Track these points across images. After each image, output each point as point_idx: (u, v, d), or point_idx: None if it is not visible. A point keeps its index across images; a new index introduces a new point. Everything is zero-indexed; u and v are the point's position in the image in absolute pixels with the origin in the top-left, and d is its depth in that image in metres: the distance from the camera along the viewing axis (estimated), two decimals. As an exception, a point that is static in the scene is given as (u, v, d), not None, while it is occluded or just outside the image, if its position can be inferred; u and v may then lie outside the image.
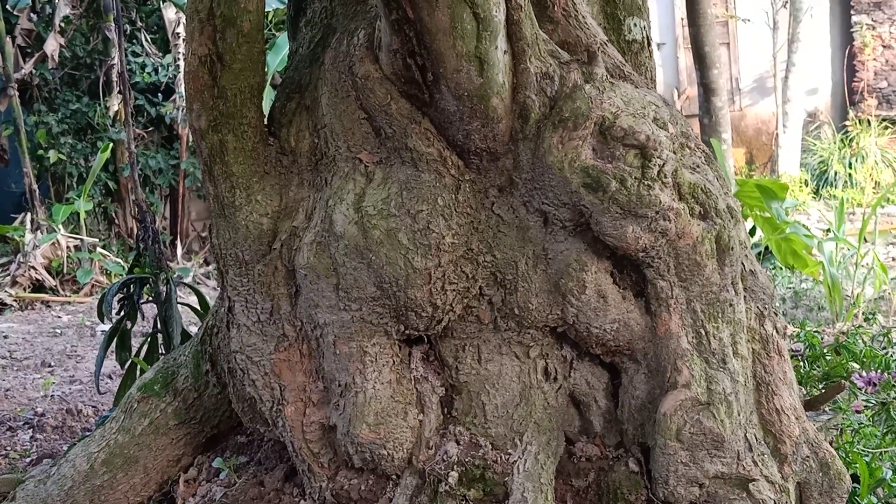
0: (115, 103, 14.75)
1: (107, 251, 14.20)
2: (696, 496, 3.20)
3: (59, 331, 11.21)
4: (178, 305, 5.09)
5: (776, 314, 3.46)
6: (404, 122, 3.19)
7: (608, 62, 3.37)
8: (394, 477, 3.39)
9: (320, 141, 3.38)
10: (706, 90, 11.10)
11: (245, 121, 3.33)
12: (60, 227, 13.92)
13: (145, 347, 5.04)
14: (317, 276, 3.27)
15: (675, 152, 3.22)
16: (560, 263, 3.24)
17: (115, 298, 4.91)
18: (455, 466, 3.26)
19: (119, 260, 13.45)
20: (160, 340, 5.04)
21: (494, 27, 2.94)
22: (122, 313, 4.95)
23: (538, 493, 3.13)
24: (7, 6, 12.53)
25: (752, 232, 7.96)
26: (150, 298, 5.06)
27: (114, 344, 5.00)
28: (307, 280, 3.31)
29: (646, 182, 3.09)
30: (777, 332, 3.41)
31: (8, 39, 13.49)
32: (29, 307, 13.06)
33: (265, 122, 3.45)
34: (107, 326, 5.83)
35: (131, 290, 4.95)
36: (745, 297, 3.37)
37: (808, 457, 3.33)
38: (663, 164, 3.13)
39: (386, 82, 3.19)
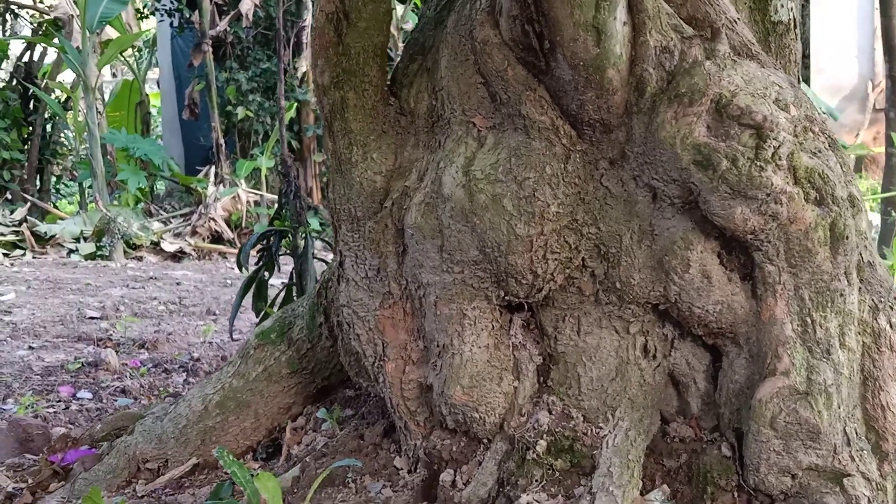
0: (303, 64, 15.05)
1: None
2: (788, 487, 3.13)
3: (229, 282, 11.52)
4: (315, 260, 5.20)
5: (892, 308, 3.36)
6: (519, 89, 3.19)
7: (735, 40, 3.30)
8: (485, 441, 3.41)
9: (437, 103, 3.41)
10: (894, 83, 10.74)
11: (366, 79, 3.38)
12: (242, 181, 14.32)
13: (280, 298, 5.16)
14: (423, 236, 3.30)
15: (795, 136, 3.14)
16: (665, 240, 3.20)
17: (254, 249, 5.04)
18: (545, 435, 3.26)
19: (295, 218, 13.74)
20: (294, 292, 5.16)
21: (614, -3, 2.93)
22: (260, 264, 5.07)
23: (624, 468, 3.11)
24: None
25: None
26: (288, 251, 5.18)
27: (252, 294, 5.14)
28: (413, 239, 3.34)
29: (758, 163, 3.02)
30: (891, 326, 3.30)
31: (206, -3, 13.89)
32: (206, 257, 13.47)
33: (387, 82, 3.50)
34: (278, 282, 6.02)
35: (270, 241, 5.06)
36: (860, 288, 3.28)
37: (910, 456, 3.23)
38: (779, 146, 3.05)
39: (504, 48, 3.19)
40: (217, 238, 13.89)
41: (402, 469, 3.58)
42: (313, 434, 3.93)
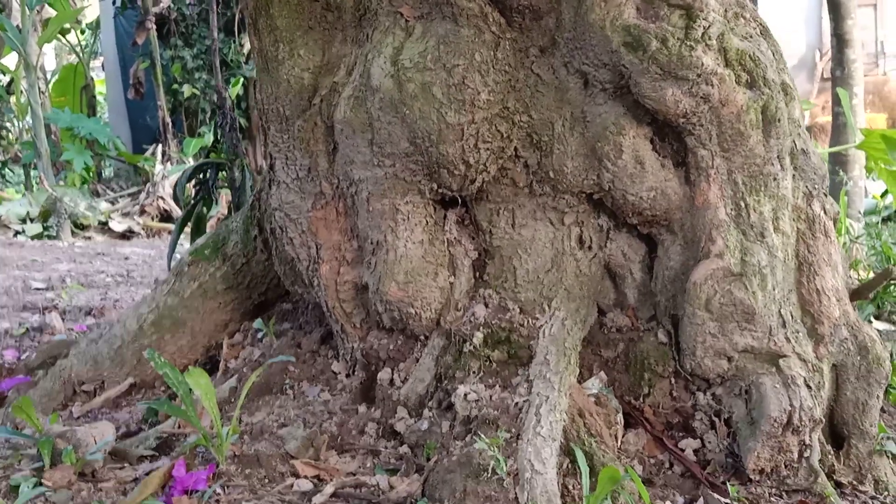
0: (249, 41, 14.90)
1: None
2: (724, 370, 3.12)
3: (178, 256, 11.37)
4: (254, 193, 5.13)
5: (826, 195, 3.35)
6: (446, -24, 3.15)
7: (663, -72, 3.28)
8: (422, 338, 3.37)
9: (364, -5, 3.36)
10: (839, 41, 10.75)
11: (291, -27, 3.33)
12: (190, 159, 14.16)
13: (220, 232, 5.09)
14: (352, 130, 3.25)
15: (727, 20, 3.13)
16: (597, 126, 3.17)
17: (191, 184, 4.98)
18: (481, 328, 3.23)
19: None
20: (234, 226, 5.09)
21: None
22: (198, 198, 5.01)
23: (561, 356, 3.08)
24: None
25: (885, 194, 7.73)
26: (226, 185, 5.12)
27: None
28: (343, 135, 3.29)
29: (688, 43, 3.00)
30: (825, 213, 3.30)
31: (148, -27, 13.74)
32: (156, 235, 13.29)
33: (313, -22, 3.45)
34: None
35: (207, 175, 5.00)
36: (794, 175, 3.27)
37: (846, 339, 3.23)
38: (709, 26, 3.03)
39: (428, -67, 3.16)
40: (166, 217, 13.70)
41: (339, 373, 3.55)
42: (250, 348, 3.88)
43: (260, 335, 3.93)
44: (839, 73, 10.87)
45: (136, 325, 3.97)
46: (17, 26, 13.88)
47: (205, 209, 5.00)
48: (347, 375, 3.51)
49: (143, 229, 13.31)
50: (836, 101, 9.81)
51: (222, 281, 3.96)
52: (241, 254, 3.95)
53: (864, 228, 7.67)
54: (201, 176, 5.01)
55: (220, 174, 5.04)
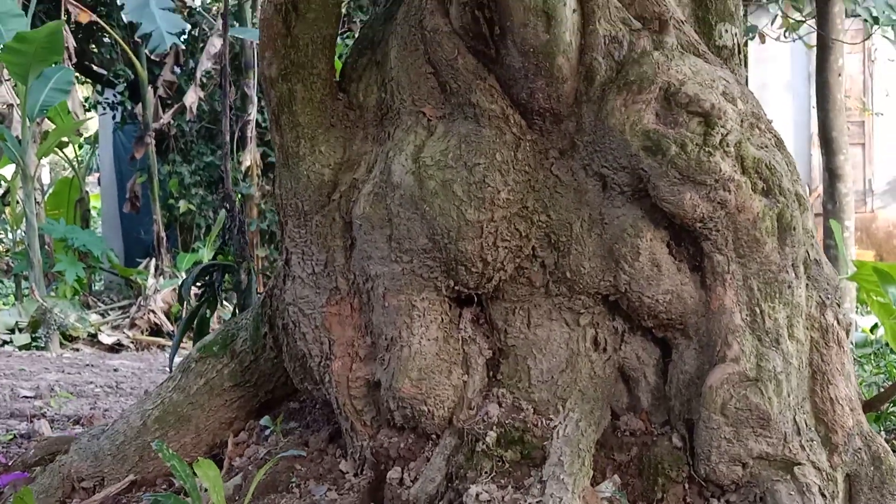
0: (247, 158, 15.00)
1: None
2: (739, 476, 3.10)
3: (168, 370, 11.30)
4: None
5: (839, 306, 3.36)
6: (470, 78, 3.20)
7: (682, 38, 3.33)
8: (433, 436, 3.34)
9: (387, 95, 3.40)
10: (831, 175, 10.87)
11: (315, 71, 3.38)
12: (183, 274, 14.11)
13: (222, 335, 5.06)
14: (371, 226, 3.28)
15: (743, 129, 3.18)
16: (615, 228, 3.20)
17: (196, 284, 4.97)
18: (495, 427, 3.21)
19: (238, 311, 13.57)
20: (237, 328, 5.06)
21: (563, -17, 2.96)
22: (202, 300, 4.99)
23: (575, 457, 3.06)
24: (147, 49, 12.84)
25: (875, 328, 7.76)
26: (231, 287, 5.12)
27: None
28: (362, 231, 3.31)
29: (707, 149, 3.05)
30: (839, 323, 3.31)
31: (150, 89, 13.89)
32: (145, 349, 13.21)
33: (336, 78, 3.49)
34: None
35: (213, 277, 4.99)
36: (807, 285, 3.29)
37: (859, 449, 3.22)
38: (727, 133, 3.08)
39: (454, 36, 3.21)
40: (156, 331, 13.63)
41: (347, 472, 3.50)
42: (256, 447, 3.84)
43: (266, 433, 3.89)
44: (830, 207, 10.96)
45: (140, 421, 3.92)
46: (17, 137, 13.96)
47: (208, 311, 4.98)
48: (356, 475, 3.47)
49: (133, 342, 13.23)
50: (828, 233, 9.86)
51: (230, 378, 3.93)
52: (250, 351, 3.93)
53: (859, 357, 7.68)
54: (207, 278, 5.00)
55: (225, 277, 5.03)
